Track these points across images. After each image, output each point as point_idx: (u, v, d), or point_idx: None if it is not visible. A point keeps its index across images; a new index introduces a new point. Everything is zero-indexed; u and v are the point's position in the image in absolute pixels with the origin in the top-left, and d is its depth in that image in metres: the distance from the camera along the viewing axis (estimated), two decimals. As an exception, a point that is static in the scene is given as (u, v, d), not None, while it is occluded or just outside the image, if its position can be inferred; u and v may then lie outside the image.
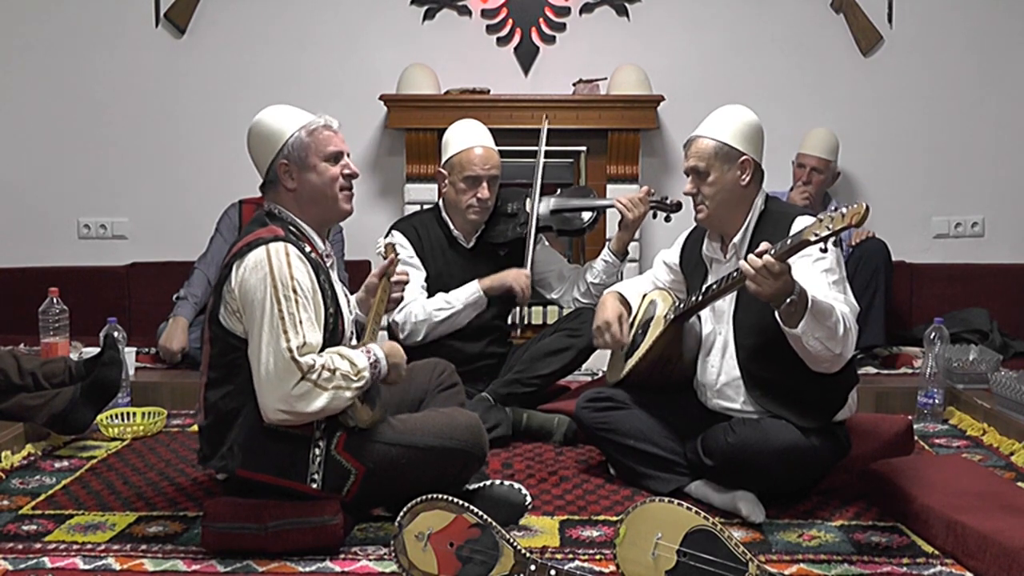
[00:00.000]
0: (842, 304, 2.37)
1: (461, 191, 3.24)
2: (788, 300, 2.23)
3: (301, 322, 2.20)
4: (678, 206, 3.29)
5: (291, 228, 2.37)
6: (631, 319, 2.83)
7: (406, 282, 2.65)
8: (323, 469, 2.27)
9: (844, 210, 2.09)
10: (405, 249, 3.26)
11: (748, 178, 2.57)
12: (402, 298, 2.68)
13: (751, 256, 2.23)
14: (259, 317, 2.20)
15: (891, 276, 4.00)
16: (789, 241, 2.20)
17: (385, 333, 3.18)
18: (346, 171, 2.42)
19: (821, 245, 2.15)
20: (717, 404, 2.64)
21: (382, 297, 2.53)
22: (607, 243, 3.43)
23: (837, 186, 4.42)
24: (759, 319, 2.48)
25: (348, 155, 2.45)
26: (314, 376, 2.18)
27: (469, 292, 3.20)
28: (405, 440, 2.32)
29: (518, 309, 3.26)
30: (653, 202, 3.30)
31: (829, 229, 2.11)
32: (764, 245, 2.23)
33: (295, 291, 2.21)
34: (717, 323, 2.65)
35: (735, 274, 2.35)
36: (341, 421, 2.28)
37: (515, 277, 3.19)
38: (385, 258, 2.59)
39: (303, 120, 2.40)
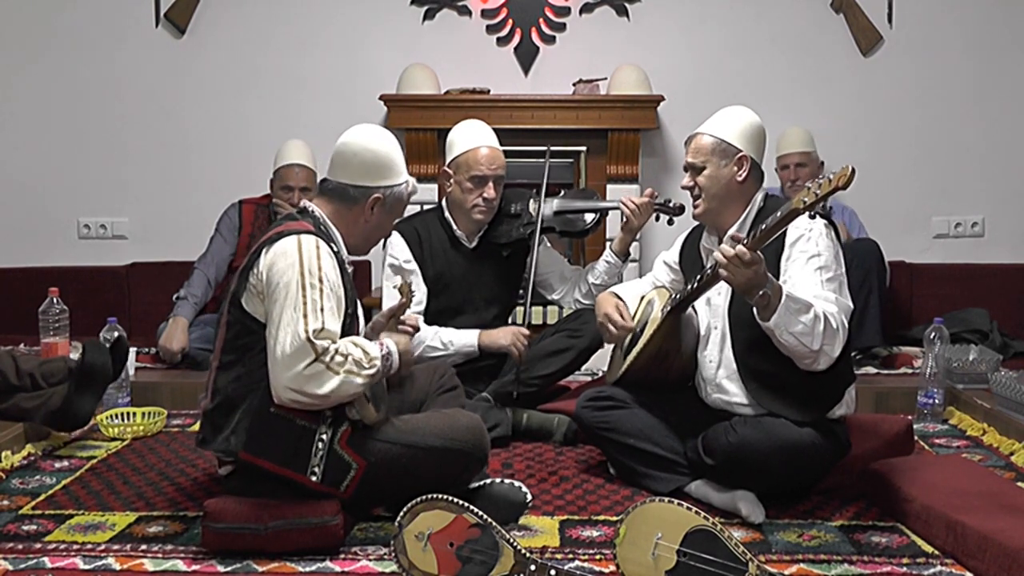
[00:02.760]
0: (829, 303, 2.38)
1: (467, 191, 3.24)
2: (760, 293, 2.25)
3: (323, 309, 2.23)
4: (681, 209, 3.29)
5: (321, 228, 2.40)
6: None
7: (417, 328, 2.68)
8: (324, 462, 2.27)
9: (831, 175, 2.10)
10: (404, 253, 3.26)
11: (745, 174, 2.59)
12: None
13: (723, 245, 2.25)
14: (282, 299, 2.23)
15: (885, 276, 3.99)
16: (779, 213, 2.22)
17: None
18: (388, 232, 2.62)
19: (810, 212, 2.16)
20: (717, 399, 2.65)
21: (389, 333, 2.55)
22: (608, 244, 3.43)
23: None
24: (753, 312, 2.49)
25: None
26: (327, 358, 2.20)
27: (466, 342, 3.19)
28: (406, 439, 2.32)
29: (519, 373, 3.25)
30: (656, 205, 3.31)
31: (816, 195, 2.12)
32: (739, 235, 2.27)
33: (321, 280, 2.25)
34: (713, 317, 2.66)
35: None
36: (347, 414, 2.29)
37: (512, 341, 3.18)
38: (401, 294, 2.61)
39: (406, 173, 2.54)
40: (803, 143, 4.21)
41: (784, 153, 4.22)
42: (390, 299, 3.02)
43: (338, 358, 2.21)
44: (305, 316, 2.20)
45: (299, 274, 2.23)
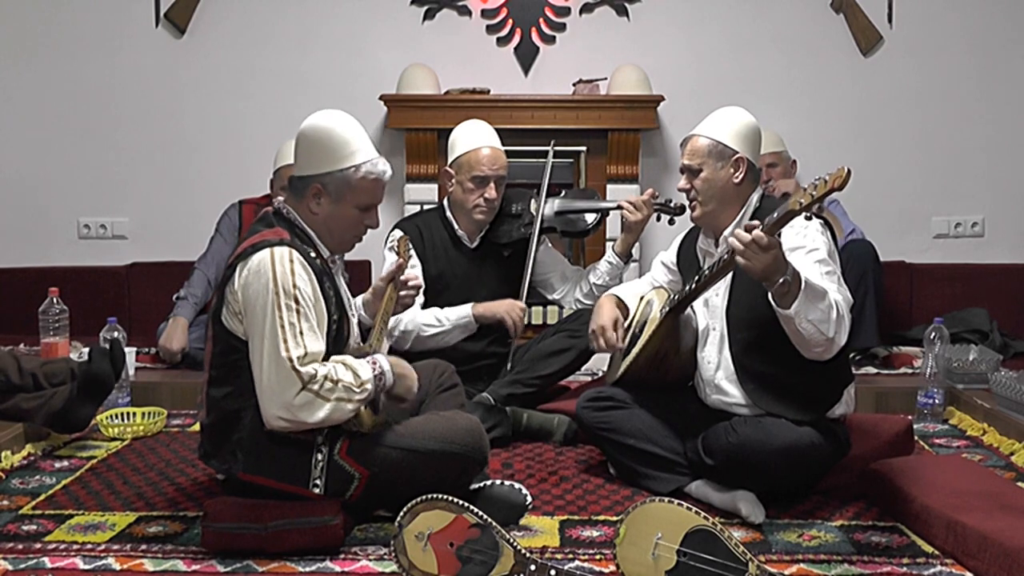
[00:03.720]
0: (835, 292, 2.38)
1: (468, 191, 3.24)
2: (781, 280, 2.23)
3: (302, 332, 2.20)
4: (682, 209, 3.30)
5: (297, 231, 2.36)
6: (628, 322, 2.83)
7: (419, 287, 2.65)
8: (325, 474, 2.27)
9: (826, 176, 2.10)
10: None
11: (741, 176, 2.59)
12: (412, 303, 2.67)
13: (739, 231, 2.23)
14: (260, 324, 2.20)
15: (881, 277, 3.97)
16: (776, 215, 2.20)
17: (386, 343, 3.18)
18: (367, 222, 2.42)
19: (807, 213, 2.15)
20: (716, 400, 2.64)
21: (389, 302, 2.54)
22: (610, 245, 3.43)
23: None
24: (751, 313, 2.49)
25: (379, 204, 2.44)
26: (315, 387, 2.18)
27: (460, 315, 3.19)
28: (406, 443, 2.31)
29: (514, 345, 3.24)
30: (657, 204, 3.32)
31: (813, 196, 2.12)
32: (753, 222, 2.24)
33: (297, 300, 2.21)
34: (711, 318, 2.66)
35: (726, 255, 2.36)
36: (344, 426, 2.28)
37: (508, 309, 3.17)
38: (399, 255, 2.59)
39: (361, 157, 2.34)
40: (772, 144, 4.19)
41: None
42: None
43: (328, 384, 2.19)
44: (285, 341, 2.17)
45: (274, 294, 2.19)
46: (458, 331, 3.20)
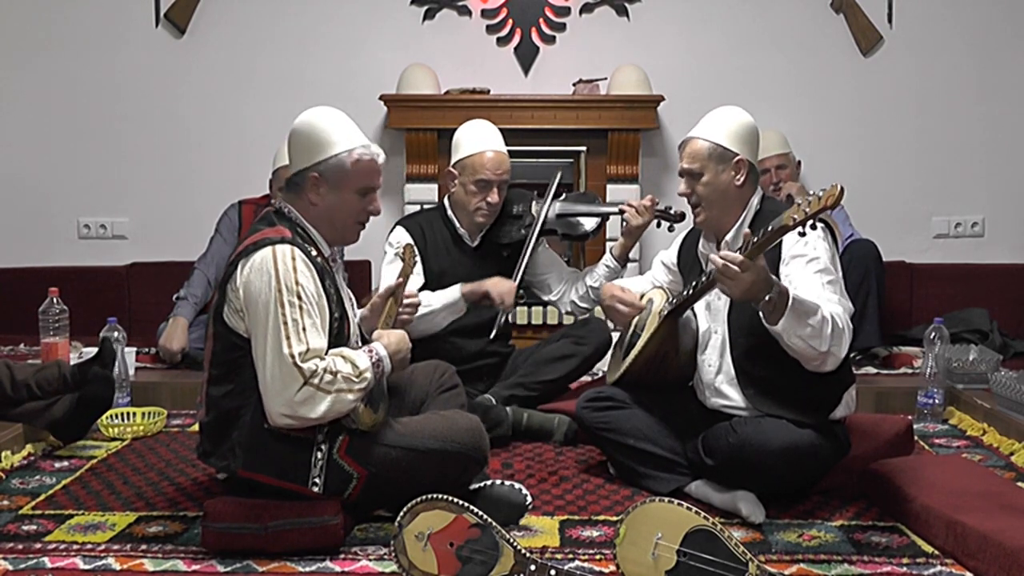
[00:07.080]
0: (834, 304, 2.37)
1: (471, 193, 3.24)
2: (767, 298, 2.23)
3: (304, 329, 2.20)
4: (682, 216, 3.29)
5: (299, 230, 2.36)
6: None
7: (417, 304, 2.64)
8: (324, 473, 2.27)
9: (820, 193, 2.09)
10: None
11: (743, 179, 2.59)
12: (411, 320, 2.67)
13: (713, 255, 2.23)
14: (263, 322, 2.20)
15: (883, 277, 3.97)
16: (770, 228, 2.20)
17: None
18: (370, 207, 2.43)
19: (800, 229, 2.15)
20: (716, 403, 2.64)
21: (388, 318, 2.53)
22: (609, 248, 3.43)
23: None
24: (752, 318, 2.48)
25: (378, 190, 2.45)
26: (316, 380, 2.18)
27: (448, 295, 3.18)
28: (406, 443, 2.32)
29: (501, 317, 3.24)
30: (657, 211, 3.31)
31: (806, 213, 2.11)
32: (745, 233, 2.23)
33: (299, 297, 2.21)
34: (713, 321, 2.66)
35: (713, 272, 2.35)
36: (343, 423, 2.28)
37: (495, 283, 3.17)
38: (403, 261, 2.58)
39: (353, 142, 2.36)
40: (780, 145, 4.21)
41: (763, 157, 4.18)
42: (388, 280, 2.94)
43: (327, 377, 2.19)
44: (288, 338, 2.17)
45: (277, 291, 2.19)
46: (446, 312, 3.17)
